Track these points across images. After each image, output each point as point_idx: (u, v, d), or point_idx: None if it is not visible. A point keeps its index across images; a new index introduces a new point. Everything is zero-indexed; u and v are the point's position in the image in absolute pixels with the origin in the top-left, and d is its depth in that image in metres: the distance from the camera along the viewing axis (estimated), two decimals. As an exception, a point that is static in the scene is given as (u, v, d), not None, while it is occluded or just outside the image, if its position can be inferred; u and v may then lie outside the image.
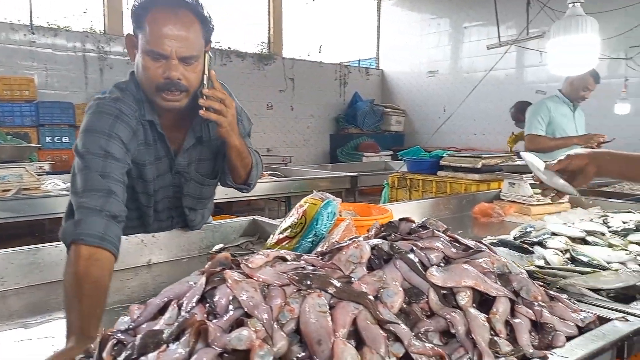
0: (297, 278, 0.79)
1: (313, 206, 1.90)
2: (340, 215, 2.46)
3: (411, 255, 0.94)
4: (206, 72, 1.50)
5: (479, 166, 3.34)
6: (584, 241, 1.59)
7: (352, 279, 0.86)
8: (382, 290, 0.85)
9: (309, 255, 0.93)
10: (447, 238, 1.09)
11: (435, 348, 0.79)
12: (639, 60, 7.25)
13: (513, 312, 0.96)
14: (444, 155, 3.73)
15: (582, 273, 1.33)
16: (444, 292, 0.91)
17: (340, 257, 0.90)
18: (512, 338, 0.91)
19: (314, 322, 0.72)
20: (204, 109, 1.46)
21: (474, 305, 0.93)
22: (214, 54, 9.21)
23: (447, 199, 3.14)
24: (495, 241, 1.62)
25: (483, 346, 0.80)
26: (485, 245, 1.14)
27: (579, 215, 2.60)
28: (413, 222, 1.17)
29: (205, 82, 1.49)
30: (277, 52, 10.46)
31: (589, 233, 1.62)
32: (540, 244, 1.55)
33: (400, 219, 1.18)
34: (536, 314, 0.96)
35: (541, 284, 1.13)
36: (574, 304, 1.11)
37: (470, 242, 1.10)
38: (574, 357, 0.88)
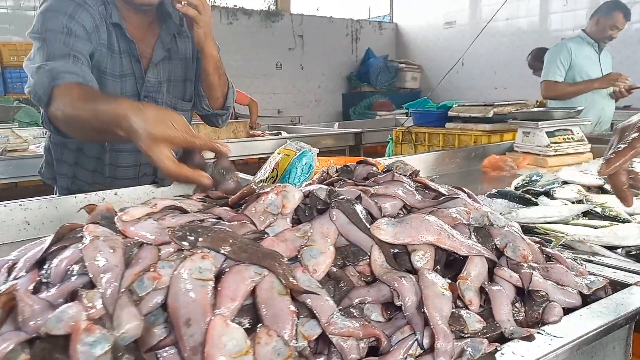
0: (179, 234, 0.57)
1: (286, 158, 1.67)
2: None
3: (357, 205, 0.71)
4: None
5: (490, 115, 3.03)
6: (601, 190, 1.32)
7: (266, 235, 0.64)
8: (304, 249, 0.62)
9: (222, 207, 0.71)
10: (413, 183, 0.85)
11: (369, 326, 0.56)
12: (677, 0, 6.59)
13: (493, 277, 0.73)
14: (453, 105, 3.42)
15: (596, 227, 1.08)
16: (396, 251, 0.68)
17: (256, 206, 0.67)
18: (489, 311, 0.68)
19: (186, 293, 0.50)
20: (181, 2, 1.32)
21: (438, 268, 0.70)
22: (218, 11, 8.87)
23: (454, 152, 2.86)
24: (493, 192, 1.37)
25: (438, 323, 0.57)
26: (465, 192, 0.90)
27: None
28: (374, 165, 0.92)
29: None
30: (284, 8, 10.02)
31: (607, 180, 1.34)
32: (548, 194, 1.29)
33: (359, 162, 0.94)
34: (523, 279, 0.72)
35: (538, 239, 0.89)
36: (581, 265, 0.87)
37: (443, 188, 0.86)
38: (571, 336, 0.65)
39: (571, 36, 3.63)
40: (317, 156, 2.05)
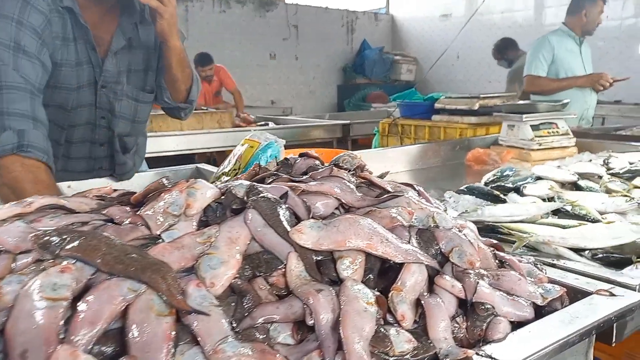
0: (43, 240, 0.48)
1: (250, 149, 1.58)
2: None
3: (279, 204, 0.62)
4: None
5: (476, 108, 2.94)
6: (575, 186, 1.24)
7: (160, 240, 0.55)
8: (202, 258, 0.53)
9: (120, 206, 0.62)
10: (355, 179, 0.76)
11: (269, 352, 0.48)
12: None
13: (433, 287, 0.64)
14: (440, 97, 3.32)
15: (564, 227, 0.99)
16: (319, 258, 0.59)
17: (155, 206, 0.58)
18: (424, 327, 0.59)
19: (28, 317, 0.41)
20: None
21: (371, 277, 0.61)
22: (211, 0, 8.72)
23: (438, 145, 2.77)
24: (462, 188, 1.28)
25: (354, 347, 0.49)
26: (416, 189, 0.81)
27: (584, 159, 2.22)
28: (316, 158, 0.84)
29: None
30: (278, -3, 9.87)
31: (583, 176, 1.26)
32: (518, 190, 1.21)
33: (301, 154, 0.85)
34: (467, 289, 0.64)
35: (494, 242, 0.81)
36: (541, 270, 0.79)
37: (391, 185, 0.77)
38: (515, 358, 0.57)
39: (552, 30, 3.54)
40: (295, 148, 1.97)
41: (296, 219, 0.63)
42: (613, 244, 0.87)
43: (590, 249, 0.89)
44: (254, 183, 0.65)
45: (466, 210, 1.11)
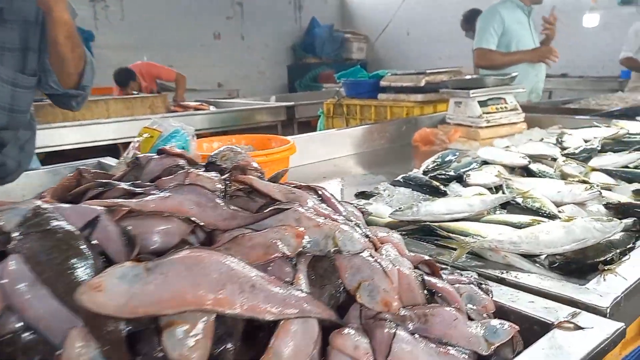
0: None
1: (148, 140, 1.33)
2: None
3: (72, 242, 0.38)
4: None
5: (422, 84, 2.76)
6: (526, 171, 1.07)
7: None
8: None
9: None
10: (224, 187, 0.53)
11: None
12: (613, -35, 6.55)
13: (327, 350, 0.43)
14: (386, 74, 3.13)
15: (515, 225, 0.81)
16: (129, 329, 0.37)
17: None
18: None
19: None
20: None
21: (229, 347, 0.40)
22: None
23: (383, 126, 2.59)
24: (398, 179, 1.08)
25: None
26: (319, 193, 0.59)
27: (535, 138, 2.09)
28: (181, 156, 0.60)
29: None
30: (220, -28, 9.39)
31: (535, 159, 1.08)
32: (461, 179, 1.02)
33: (160, 150, 0.61)
34: (377, 346, 0.43)
35: (427, 259, 0.60)
36: (486, 292, 0.59)
37: (282, 191, 0.55)
38: None
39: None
40: (236, 134, 1.75)
41: (108, 262, 0.40)
42: (574, 247, 0.69)
43: (546, 254, 0.71)
44: (42, 205, 0.41)
45: (400, 208, 0.90)
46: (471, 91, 2.27)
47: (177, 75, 4.96)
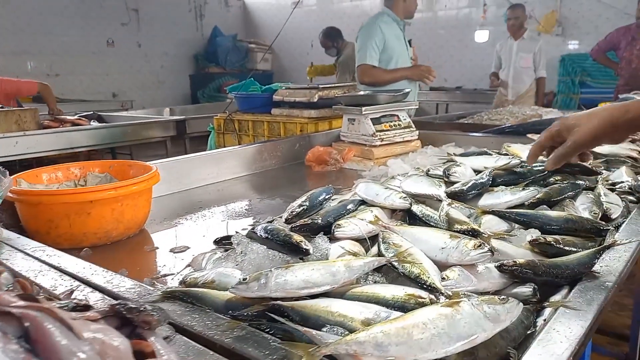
0: None
1: None
2: (80, 182, 1.58)
3: None
4: None
5: (316, 100, 2.58)
6: (408, 215, 0.88)
7: None
8: None
9: None
10: None
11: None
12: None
13: None
14: (279, 88, 2.91)
15: (388, 304, 0.60)
16: None
17: None
18: None
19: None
20: None
21: None
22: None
23: (274, 145, 2.35)
24: (255, 230, 0.83)
25: None
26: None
27: (428, 158, 1.98)
28: None
29: None
30: (112, -24, 8.69)
31: (417, 199, 0.90)
32: (330, 228, 0.79)
33: None
34: None
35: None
36: None
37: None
38: None
39: (376, 14, 3.35)
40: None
41: None
42: (459, 349, 0.50)
43: None
44: None
45: (245, 279, 0.66)
46: (364, 108, 2.12)
47: (39, 86, 4.14)
